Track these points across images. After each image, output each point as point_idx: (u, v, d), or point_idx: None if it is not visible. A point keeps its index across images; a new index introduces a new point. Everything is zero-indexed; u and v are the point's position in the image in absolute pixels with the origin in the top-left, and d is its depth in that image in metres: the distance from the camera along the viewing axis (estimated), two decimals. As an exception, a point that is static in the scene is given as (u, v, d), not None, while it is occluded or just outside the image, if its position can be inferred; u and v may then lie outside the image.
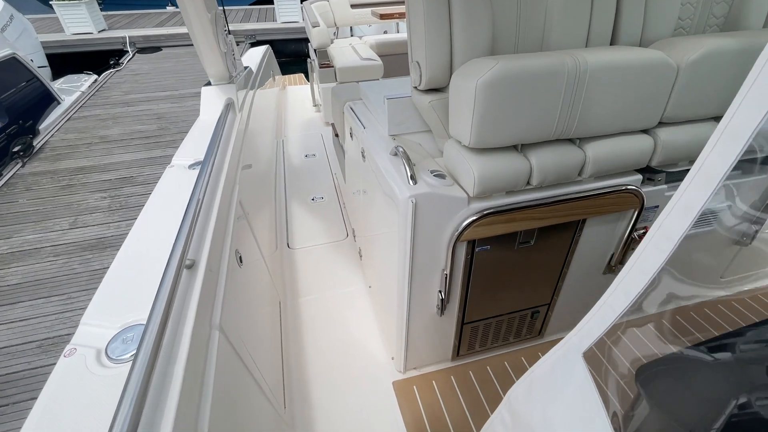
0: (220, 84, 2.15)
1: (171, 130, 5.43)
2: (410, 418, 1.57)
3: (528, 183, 1.24)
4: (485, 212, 1.24)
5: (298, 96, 5.04)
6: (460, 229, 1.25)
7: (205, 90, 2.13)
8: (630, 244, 1.52)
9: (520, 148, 1.23)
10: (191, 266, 1.04)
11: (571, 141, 1.26)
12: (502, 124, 1.09)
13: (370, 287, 2.14)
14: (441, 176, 1.27)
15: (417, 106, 1.42)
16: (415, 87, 1.35)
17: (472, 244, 1.33)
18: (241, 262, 1.41)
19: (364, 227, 2.04)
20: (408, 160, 1.27)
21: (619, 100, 1.16)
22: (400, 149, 1.32)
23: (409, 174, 1.23)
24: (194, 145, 1.77)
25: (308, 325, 2.00)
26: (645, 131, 1.30)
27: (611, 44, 1.43)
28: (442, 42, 1.21)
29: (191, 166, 1.60)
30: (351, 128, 1.91)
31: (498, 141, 1.14)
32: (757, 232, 1.01)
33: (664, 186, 1.42)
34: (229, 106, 2.01)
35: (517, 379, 0.87)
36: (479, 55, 1.22)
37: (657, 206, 1.47)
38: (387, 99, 1.47)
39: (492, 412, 1.01)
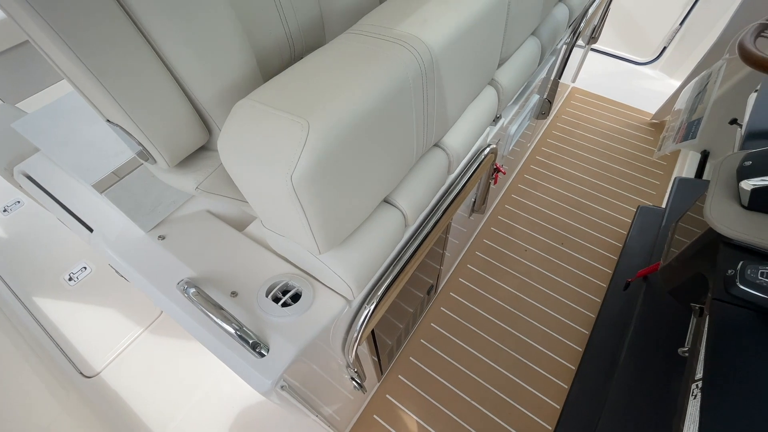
0: None
1: None
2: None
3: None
4: (378, 297, 0.86)
5: None
6: (356, 337, 0.85)
7: None
8: (488, 189, 1.41)
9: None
10: None
11: None
12: (354, 202, 0.64)
13: None
14: (295, 295, 0.78)
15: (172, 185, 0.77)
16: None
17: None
18: None
19: None
20: (218, 313, 0.71)
21: (467, 71, 0.81)
22: (191, 291, 0.73)
23: (249, 344, 0.69)
24: None
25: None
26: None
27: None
28: (163, 88, 0.57)
29: None
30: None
31: (356, 222, 0.69)
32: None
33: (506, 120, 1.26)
34: None
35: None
36: (242, 85, 0.63)
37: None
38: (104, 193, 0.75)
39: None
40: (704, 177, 2.01)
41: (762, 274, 0.73)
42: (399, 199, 0.81)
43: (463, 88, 0.83)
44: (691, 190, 1.59)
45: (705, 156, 2.12)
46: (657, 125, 2.43)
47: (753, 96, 1.19)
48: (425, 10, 0.73)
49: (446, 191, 1.01)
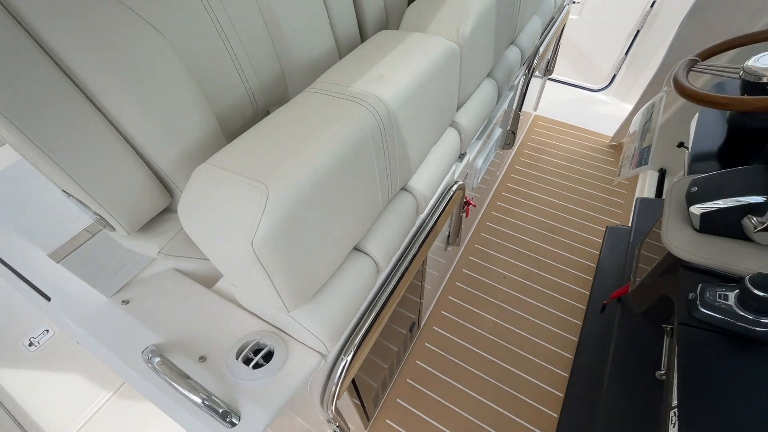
0: None
1: None
2: None
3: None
4: (355, 347, 0.84)
5: None
6: (334, 391, 0.83)
7: None
8: (461, 222, 1.44)
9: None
10: None
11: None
12: (320, 258, 0.64)
13: None
14: (268, 353, 0.75)
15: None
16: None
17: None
18: None
19: None
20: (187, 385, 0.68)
21: (426, 118, 0.85)
22: (156, 361, 0.70)
23: (219, 413, 0.66)
24: None
25: None
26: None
27: (359, 27, 1.03)
28: (118, 156, 0.57)
29: None
30: None
31: (324, 276, 0.69)
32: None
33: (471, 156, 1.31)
34: None
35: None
36: (203, 146, 0.64)
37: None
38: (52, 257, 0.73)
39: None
40: (663, 195, 2.11)
41: (720, 296, 0.76)
42: (369, 245, 0.81)
43: (424, 134, 0.86)
44: (652, 210, 1.67)
45: (663, 174, 2.24)
46: (616, 147, 2.56)
47: (694, 121, 1.28)
48: (381, 66, 0.77)
49: (417, 231, 1.03)
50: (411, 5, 1.02)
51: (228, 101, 0.77)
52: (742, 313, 0.73)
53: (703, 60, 1.11)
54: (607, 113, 2.83)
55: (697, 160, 1.16)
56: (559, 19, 1.88)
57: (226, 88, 0.76)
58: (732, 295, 0.75)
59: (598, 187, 2.32)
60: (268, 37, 0.81)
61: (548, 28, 1.73)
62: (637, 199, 1.71)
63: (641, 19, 2.55)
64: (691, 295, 0.79)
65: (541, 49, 1.65)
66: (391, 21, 1.15)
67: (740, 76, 0.99)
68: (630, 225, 1.97)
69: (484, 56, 1.08)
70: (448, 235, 1.49)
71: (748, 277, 0.71)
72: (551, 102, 2.92)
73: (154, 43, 0.61)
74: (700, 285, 0.79)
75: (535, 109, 2.78)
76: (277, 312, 0.72)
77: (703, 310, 0.76)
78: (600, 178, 2.37)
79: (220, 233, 0.53)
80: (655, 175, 2.26)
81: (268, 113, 0.93)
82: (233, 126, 0.80)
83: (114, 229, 0.65)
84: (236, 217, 0.51)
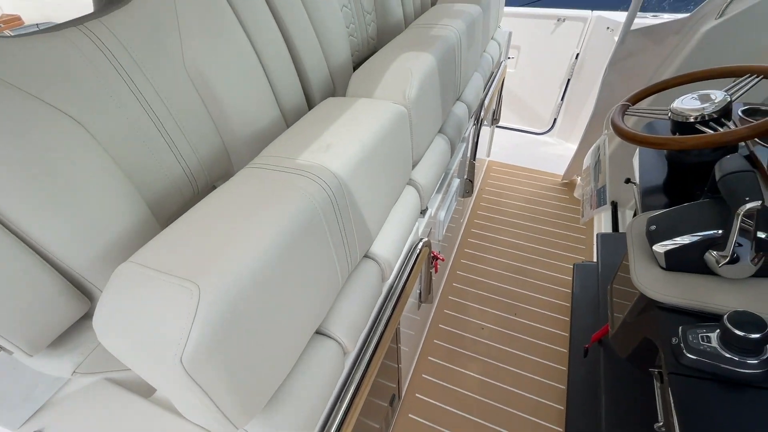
0: None
1: None
2: None
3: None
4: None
5: None
6: None
7: None
8: (431, 279, 1.39)
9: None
10: None
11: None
12: (272, 357, 0.55)
13: None
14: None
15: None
16: None
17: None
18: None
19: None
20: None
21: (381, 183, 0.81)
22: None
23: None
24: None
25: None
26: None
27: (305, 95, 1.03)
28: (14, 263, 0.47)
29: None
30: None
31: (279, 376, 0.59)
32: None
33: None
34: None
35: None
36: (131, 237, 0.56)
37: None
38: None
39: None
40: (619, 227, 2.19)
41: (703, 339, 0.73)
42: (332, 326, 0.73)
43: (381, 198, 0.82)
44: (614, 244, 1.70)
45: (615, 206, 2.34)
46: (568, 184, 2.68)
47: (636, 158, 1.35)
48: (328, 134, 0.74)
49: (386, 299, 0.95)
50: (356, 72, 1.03)
51: (163, 184, 0.71)
52: (728, 355, 0.70)
53: (633, 104, 1.19)
54: (554, 153, 2.99)
55: (647, 194, 1.19)
56: (498, 73, 2.01)
57: (160, 172, 0.69)
58: (714, 336, 0.73)
59: (559, 224, 2.38)
60: (207, 115, 0.77)
61: (489, 82, 1.84)
62: (597, 235, 1.74)
63: (569, 69, 2.81)
64: (674, 339, 0.76)
65: (486, 101, 1.73)
66: (338, 88, 1.15)
67: (669, 117, 1.06)
68: (595, 260, 1.99)
69: (432, 115, 1.09)
70: (420, 293, 1.43)
71: (726, 316, 0.69)
72: (502, 147, 3.06)
73: (69, 136, 0.54)
74: (680, 327, 0.76)
75: (488, 155, 2.90)
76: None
77: (689, 355, 0.72)
78: (559, 215, 2.44)
79: (144, 348, 0.44)
80: (609, 208, 2.36)
81: (214, 187, 0.87)
82: (170, 209, 0.73)
83: (11, 352, 0.53)
84: (161, 328, 0.43)
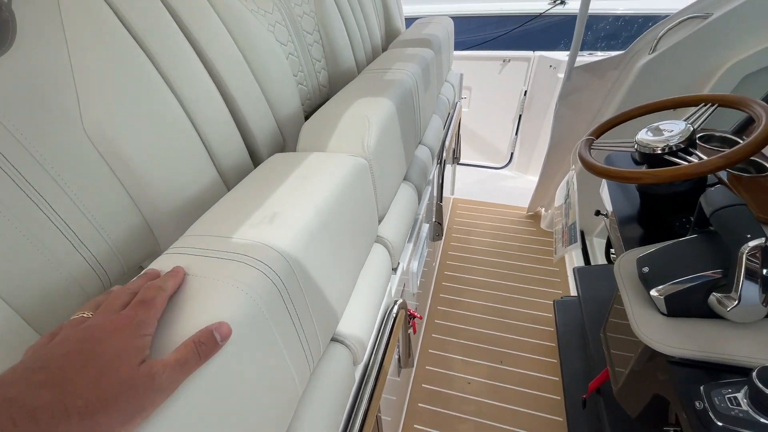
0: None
1: None
2: None
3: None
4: None
5: None
6: None
7: None
8: (410, 341, 1.24)
9: None
10: None
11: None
12: None
13: None
14: None
15: None
16: None
17: None
18: None
19: None
20: None
21: (344, 248, 0.68)
22: None
23: None
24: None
25: None
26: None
27: (249, 151, 0.90)
28: None
29: None
30: None
31: None
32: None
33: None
34: None
35: None
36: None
37: None
38: None
39: None
40: (590, 256, 2.16)
41: (732, 401, 0.63)
42: (295, 443, 0.56)
43: (344, 268, 0.69)
44: (592, 277, 1.64)
45: (582, 235, 2.33)
46: (533, 216, 2.68)
47: (604, 189, 1.31)
48: (275, 199, 0.61)
49: (361, 385, 0.79)
50: (307, 122, 0.93)
51: (55, 281, 0.53)
52: (764, 420, 0.60)
53: (597, 138, 1.16)
54: (515, 186, 3.02)
55: (624, 223, 1.15)
56: (455, 113, 2.00)
57: (49, 266, 0.53)
58: (741, 397, 0.63)
59: (531, 258, 2.33)
60: (119, 187, 0.62)
61: (448, 123, 1.81)
62: (574, 269, 1.68)
63: (520, 105, 2.90)
64: (698, 404, 0.65)
65: (447, 142, 1.69)
66: (288, 141, 1.04)
67: (636, 149, 1.03)
68: (574, 295, 1.93)
69: (395, 163, 1.00)
70: (399, 359, 1.27)
71: (755, 373, 0.60)
72: (465, 183, 3.06)
73: None
74: (702, 387, 0.66)
75: (452, 192, 2.87)
76: None
77: (718, 423, 0.62)
78: (529, 248, 2.40)
79: None
80: (579, 245, 2.35)
81: (141, 268, 0.70)
82: (62, 313, 0.55)
83: None
84: None
